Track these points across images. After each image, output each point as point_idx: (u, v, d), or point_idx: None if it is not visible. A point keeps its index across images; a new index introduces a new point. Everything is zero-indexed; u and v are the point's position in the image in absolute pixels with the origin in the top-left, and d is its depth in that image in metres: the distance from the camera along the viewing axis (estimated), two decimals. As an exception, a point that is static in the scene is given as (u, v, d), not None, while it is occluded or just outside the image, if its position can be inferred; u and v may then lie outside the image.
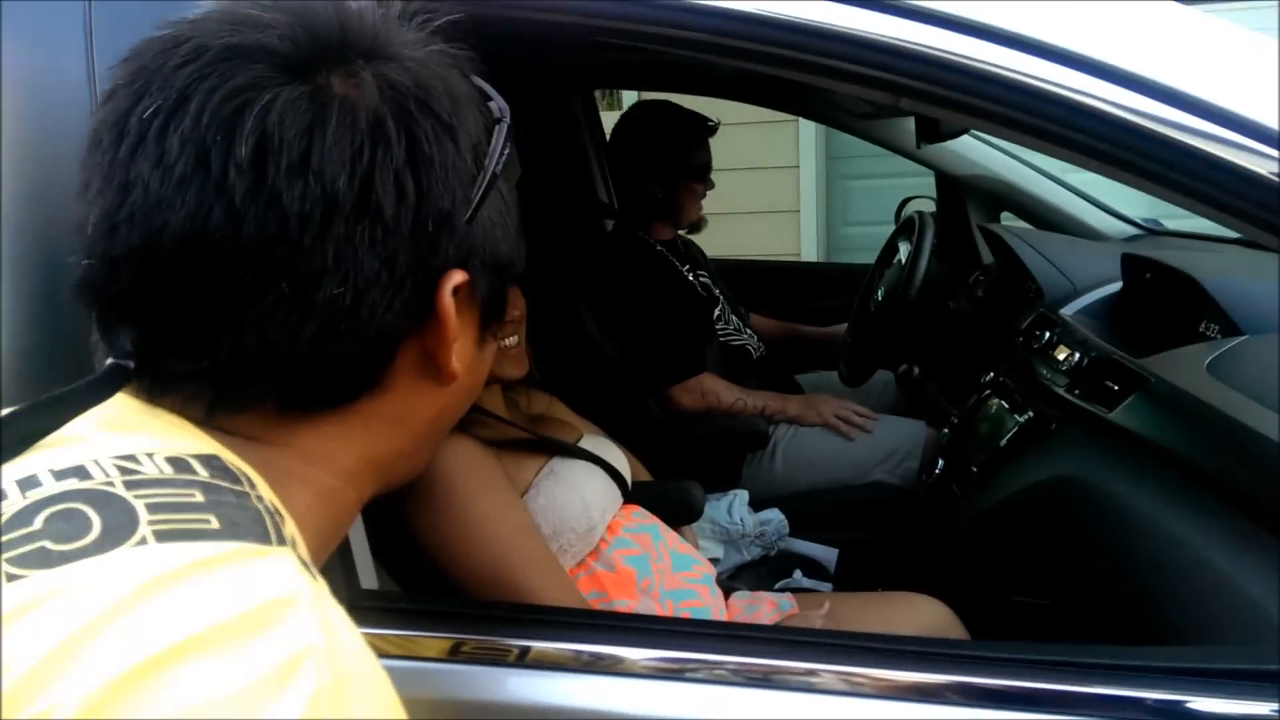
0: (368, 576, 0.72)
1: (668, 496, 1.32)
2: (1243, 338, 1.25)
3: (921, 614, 1.21)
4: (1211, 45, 0.65)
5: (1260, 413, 1.06)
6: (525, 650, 0.66)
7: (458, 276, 0.47)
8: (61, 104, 0.67)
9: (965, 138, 1.97)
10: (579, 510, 1.09)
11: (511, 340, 1.12)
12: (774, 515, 1.60)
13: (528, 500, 1.08)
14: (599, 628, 0.71)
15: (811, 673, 0.64)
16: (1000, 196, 2.09)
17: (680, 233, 2.00)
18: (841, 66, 0.67)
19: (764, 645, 0.66)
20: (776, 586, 1.48)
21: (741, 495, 1.61)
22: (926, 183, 2.26)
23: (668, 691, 0.65)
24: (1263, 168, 0.59)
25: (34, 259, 0.68)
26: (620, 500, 1.18)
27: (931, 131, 1.37)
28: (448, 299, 0.47)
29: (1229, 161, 0.59)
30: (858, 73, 0.67)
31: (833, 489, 1.77)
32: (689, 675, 0.65)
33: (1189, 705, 0.62)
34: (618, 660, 0.65)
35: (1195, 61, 0.62)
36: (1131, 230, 2.04)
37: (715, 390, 1.78)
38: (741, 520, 1.56)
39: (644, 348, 1.76)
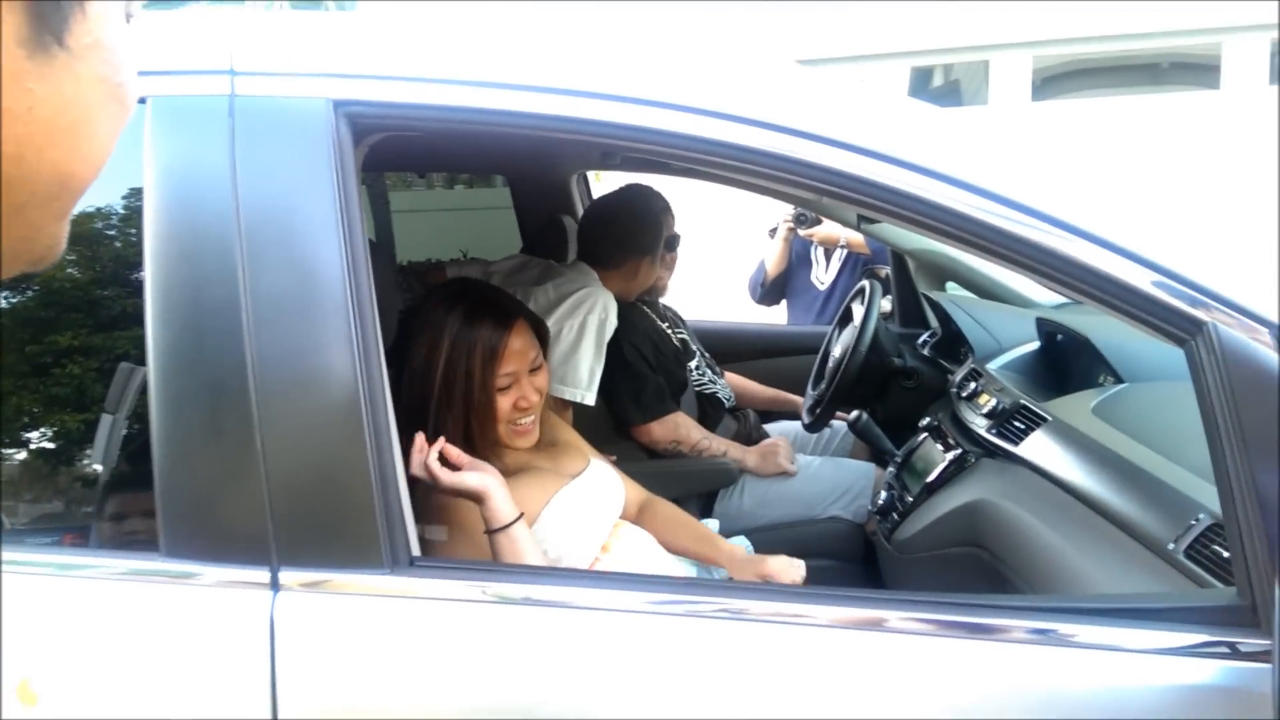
0: (414, 548, 0.95)
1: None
2: (1122, 385, 1.51)
3: None
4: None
5: (1129, 444, 1.32)
6: (528, 597, 0.90)
7: None
8: (205, 190, 0.92)
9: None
10: (578, 538, 1.31)
11: (526, 420, 1.31)
12: (741, 541, 1.82)
13: (538, 524, 1.28)
14: (575, 578, 0.94)
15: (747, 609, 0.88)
16: (944, 268, 2.38)
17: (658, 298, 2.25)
18: (778, 175, 0.93)
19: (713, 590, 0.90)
20: None
21: (712, 524, 1.83)
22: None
23: (636, 623, 0.89)
24: (1057, 244, 0.85)
25: (178, 312, 0.91)
26: (616, 516, 1.40)
27: (866, 216, 1.65)
28: None
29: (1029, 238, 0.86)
30: (791, 179, 0.93)
31: (795, 523, 2.00)
32: (655, 613, 0.89)
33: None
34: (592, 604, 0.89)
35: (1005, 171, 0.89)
36: (1061, 299, 2.32)
37: (686, 428, 2.01)
38: (712, 544, 1.78)
39: (627, 388, 1.99)
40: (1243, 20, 5.73)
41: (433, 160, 2.32)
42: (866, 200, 0.93)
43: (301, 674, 0.88)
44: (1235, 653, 0.81)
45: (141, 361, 0.97)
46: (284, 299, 0.90)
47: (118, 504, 1.02)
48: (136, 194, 0.98)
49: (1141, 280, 0.85)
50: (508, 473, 1.29)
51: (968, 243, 0.92)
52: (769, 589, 1.24)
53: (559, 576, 0.99)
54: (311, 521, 0.91)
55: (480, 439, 1.27)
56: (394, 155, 2.02)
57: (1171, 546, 1.07)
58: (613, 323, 1.81)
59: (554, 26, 1.01)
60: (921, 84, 7.63)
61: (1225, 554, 0.99)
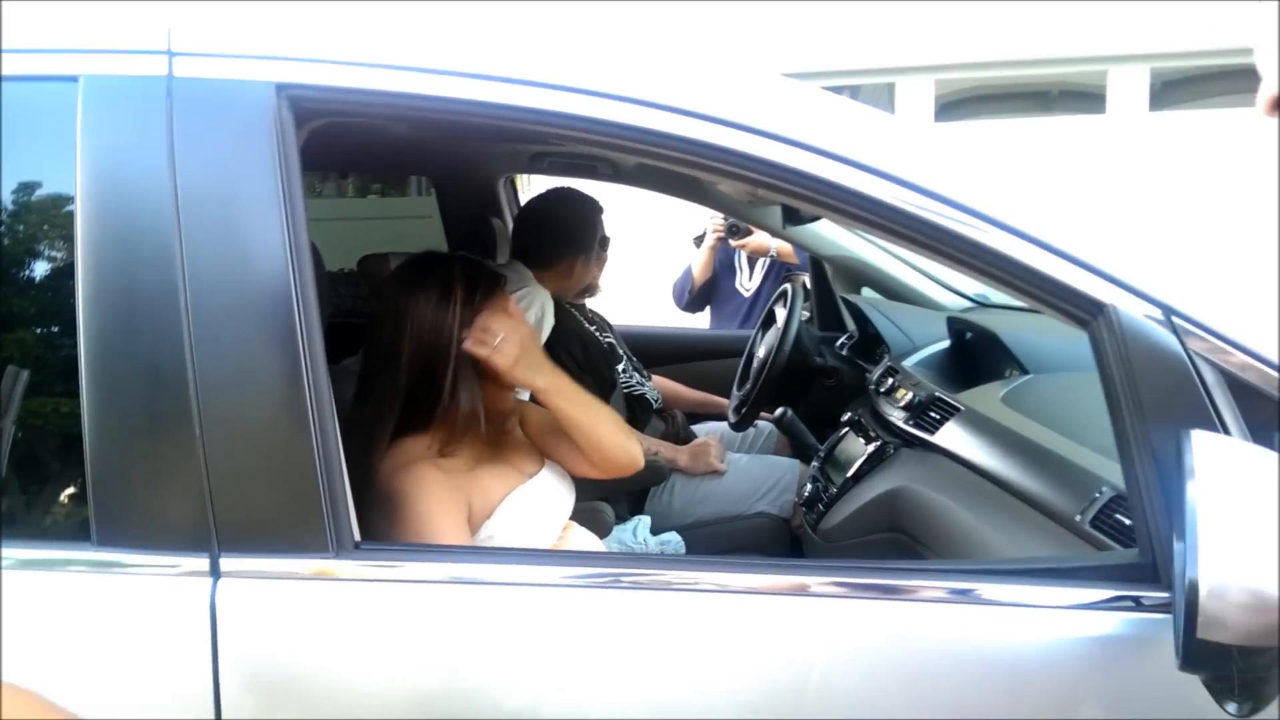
0: (356, 532, 0.95)
1: (583, 513, 1.57)
2: (1028, 376, 1.61)
3: None
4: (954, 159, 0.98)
5: (1036, 429, 1.40)
6: (469, 576, 0.92)
7: None
8: (141, 173, 0.90)
9: (830, 226, 2.35)
10: (529, 537, 1.30)
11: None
12: (672, 537, 1.86)
13: (493, 519, 1.27)
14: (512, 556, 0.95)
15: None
16: (860, 273, 2.48)
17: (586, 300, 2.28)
18: (717, 166, 0.97)
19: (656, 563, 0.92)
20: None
21: (645, 520, 1.87)
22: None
23: (573, 597, 0.91)
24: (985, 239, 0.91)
25: (112, 297, 0.89)
26: (566, 518, 1.41)
27: (792, 217, 1.72)
28: None
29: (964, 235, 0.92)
30: (726, 170, 0.97)
31: (723, 519, 2.05)
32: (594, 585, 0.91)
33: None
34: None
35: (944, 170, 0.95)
36: (965, 303, 2.44)
37: None
38: (644, 541, 1.82)
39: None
40: (1125, 50, 6.14)
41: (360, 160, 2.30)
42: (795, 190, 0.97)
43: (244, 659, 0.87)
44: (1139, 605, 0.88)
45: (25, 364, 0.95)
46: (225, 284, 0.89)
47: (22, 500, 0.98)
48: (26, 189, 0.96)
49: (1049, 267, 0.92)
50: (470, 464, 1.29)
51: (894, 233, 0.97)
52: (696, 561, 1.26)
53: (498, 556, 1.00)
54: (254, 507, 0.90)
55: (490, 400, 1.28)
56: (321, 153, 1.99)
57: (1078, 518, 1.15)
58: (550, 321, 1.83)
59: (503, 15, 1.03)
60: (830, 104, 7.86)
61: (1127, 522, 1.07)
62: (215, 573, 0.88)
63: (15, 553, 0.89)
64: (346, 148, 1.98)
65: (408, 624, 0.90)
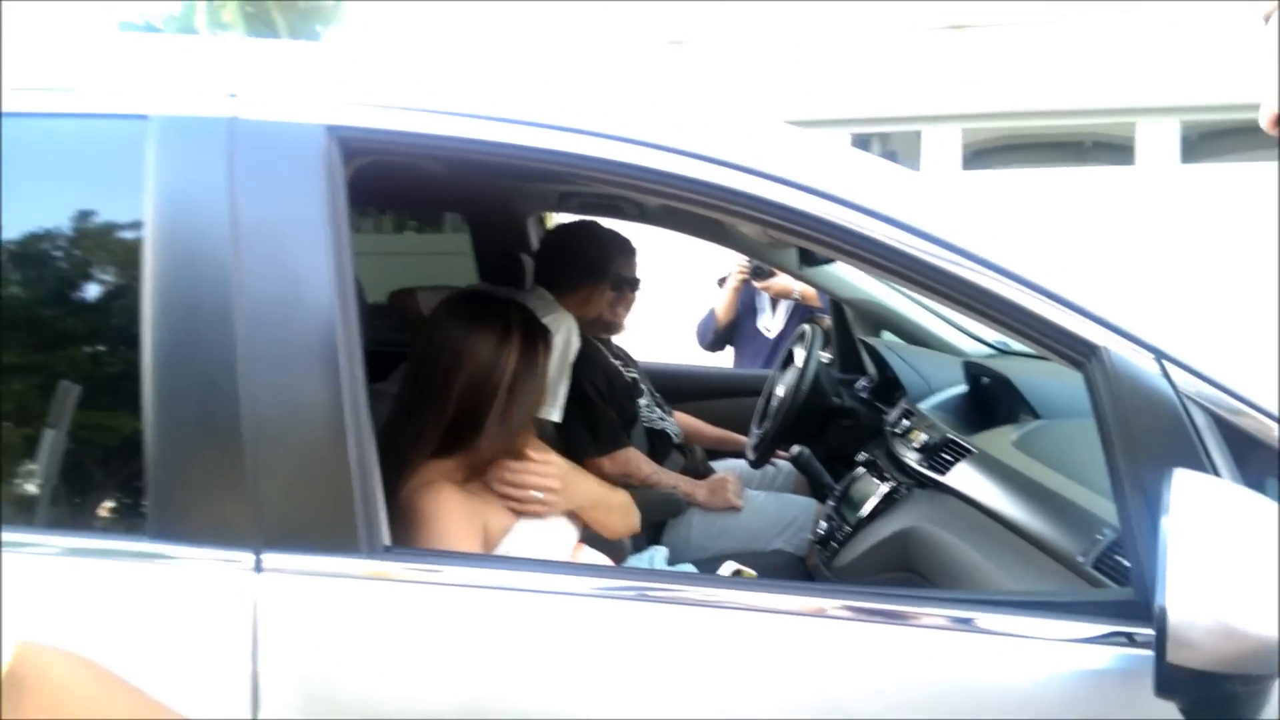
0: (386, 536, 1.01)
1: (601, 541, 1.62)
2: (1039, 421, 1.65)
3: None
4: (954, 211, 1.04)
5: (1045, 472, 1.43)
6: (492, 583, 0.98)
7: None
8: (204, 200, 0.99)
9: (850, 270, 2.40)
10: (544, 553, 1.37)
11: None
12: (688, 569, 1.89)
13: (508, 538, 1.34)
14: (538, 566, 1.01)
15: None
16: (879, 317, 2.52)
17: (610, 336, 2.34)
18: (731, 208, 1.03)
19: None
20: None
21: (662, 551, 1.90)
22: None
23: (591, 607, 0.96)
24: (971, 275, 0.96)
25: (174, 314, 0.97)
26: (576, 538, 1.47)
27: (807, 259, 1.77)
28: None
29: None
30: (739, 212, 1.04)
31: (739, 555, 2.07)
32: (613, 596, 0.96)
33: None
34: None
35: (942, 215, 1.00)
36: (985, 350, 2.47)
37: (637, 462, 2.10)
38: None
39: (583, 421, 2.06)
40: (1154, 103, 6.17)
41: (399, 198, 2.40)
42: (805, 233, 1.03)
43: (281, 649, 0.93)
44: (1131, 641, 0.91)
45: (75, 379, 1.02)
46: (276, 306, 0.97)
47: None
48: (84, 215, 1.04)
49: (1045, 310, 0.97)
50: (487, 486, 1.35)
51: (899, 276, 1.02)
52: (716, 580, 1.30)
53: (518, 565, 1.06)
54: (295, 509, 0.96)
55: (520, 434, 1.37)
56: (364, 190, 2.09)
57: (1081, 559, 1.17)
58: (576, 344, 1.90)
59: (535, 63, 1.11)
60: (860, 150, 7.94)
61: (1127, 563, 1.10)
62: (259, 567, 0.95)
63: (77, 542, 0.97)
64: (388, 187, 2.07)
65: (432, 622, 0.96)
